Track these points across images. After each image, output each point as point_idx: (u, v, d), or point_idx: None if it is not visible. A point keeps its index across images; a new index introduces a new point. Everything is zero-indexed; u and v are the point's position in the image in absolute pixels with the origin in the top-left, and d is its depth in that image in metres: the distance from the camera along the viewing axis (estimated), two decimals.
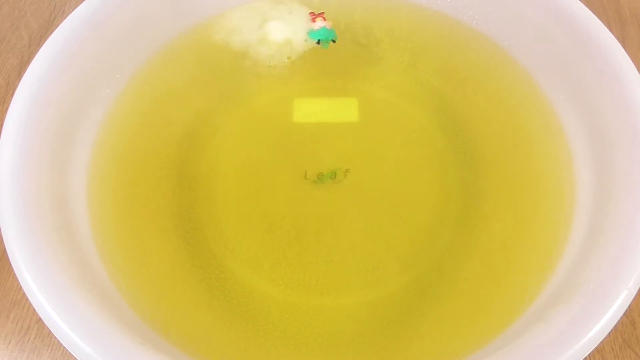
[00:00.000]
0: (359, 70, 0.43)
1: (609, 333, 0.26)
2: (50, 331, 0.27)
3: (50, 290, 0.28)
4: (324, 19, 0.38)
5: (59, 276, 0.29)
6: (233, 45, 0.43)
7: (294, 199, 0.37)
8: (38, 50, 0.35)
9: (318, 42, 0.38)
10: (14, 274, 0.28)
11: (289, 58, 0.40)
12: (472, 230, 0.36)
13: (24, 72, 0.34)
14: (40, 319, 0.29)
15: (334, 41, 0.38)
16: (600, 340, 0.26)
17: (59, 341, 0.27)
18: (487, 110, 0.41)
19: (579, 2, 0.37)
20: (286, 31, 0.41)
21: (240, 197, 0.38)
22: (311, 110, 0.41)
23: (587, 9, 0.37)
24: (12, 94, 0.34)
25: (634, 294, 0.27)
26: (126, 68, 0.41)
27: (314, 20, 0.38)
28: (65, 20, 0.37)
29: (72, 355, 0.26)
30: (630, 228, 0.29)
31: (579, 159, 0.37)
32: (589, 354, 0.26)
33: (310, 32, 0.38)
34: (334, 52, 0.44)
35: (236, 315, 0.33)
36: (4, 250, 0.30)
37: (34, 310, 0.27)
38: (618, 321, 0.27)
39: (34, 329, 0.36)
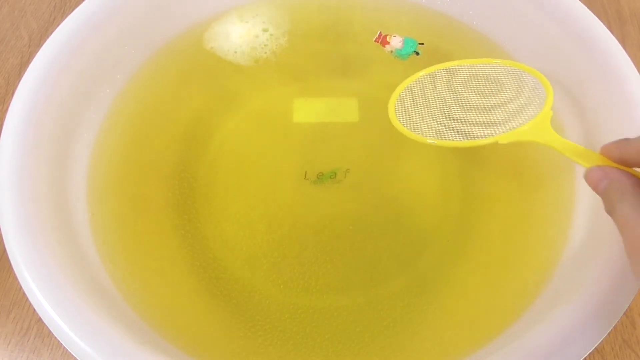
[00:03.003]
0: (359, 70, 0.43)
1: (609, 333, 0.26)
2: (50, 331, 0.27)
3: (50, 290, 0.28)
4: (391, 35, 0.37)
5: (59, 276, 0.29)
6: (222, 46, 0.44)
7: (294, 198, 0.37)
8: (38, 50, 0.35)
9: (417, 54, 0.37)
10: (14, 274, 0.28)
11: (257, 60, 0.40)
12: (471, 230, 0.36)
13: (24, 72, 0.34)
14: (40, 319, 0.29)
15: (422, 44, 0.37)
16: (600, 340, 0.26)
17: (59, 341, 0.27)
18: None
19: (579, 2, 0.37)
20: (241, 34, 0.42)
21: (240, 197, 0.38)
22: (311, 110, 0.41)
23: (588, 9, 0.37)
24: (12, 94, 0.34)
25: (634, 294, 0.27)
26: (126, 68, 0.41)
27: (387, 42, 0.37)
28: (65, 20, 0.37)
29: (72, 355, 0.26)
30: None
31: None
32: (589, 354, 0.26)
33: (397, 52, 0.37)
34: (334, 52, 0.44)
35: (236, 315, 0.33)
36: (4, 250, 0.30)
37: (34, 310, 0.27)
38: (618, 321, 0.27)
39: (34, 329, 0.36)
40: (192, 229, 0.36)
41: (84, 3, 0.38)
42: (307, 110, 0.41)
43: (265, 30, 0.44)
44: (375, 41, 0.37)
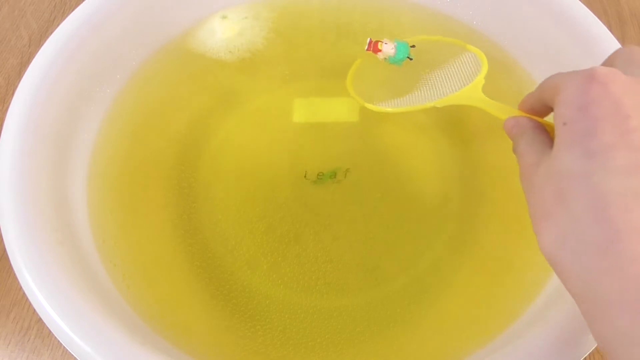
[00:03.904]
0: (358, 70, 0.43)
1: None
2: (50, 331, 0.27)
3: (50, 290, 0.28)
4: (381, 42, 0.37)
5: (59, 276, 0.29)
6: (222, 46, 0.44)
7: (294, 198, 0.37)
8: (38, 50, 0.35)
9: (410, 59, 0.38)
10: (14, 274, 0.28)
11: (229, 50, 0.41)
12: (471, 230, 0.36)
13: (24, 72, 0.34)
14: (40, 319, 0.29)
15: (413, 46, 0.38)
16: None
17: (59, 341, 0.27)
18: None
19: (579, 2, 0.37)
20: (241, 33, 0.42)
21: (240, 197, 0.38)
22: (311, 110, 0.41)
23: (587, 9, 0.37)
24: (12, 94, 0.34)
25: None
26: (126, 68, 0.41)
27: (378, 50, 0.37)
28: (65, 20, 0.37)
29: (72, 355, 0.26)
30: None
31: None
32: (589, 354, 0.26)
33: (391, 59, 0.37)
34: (334, 52, 0.44)
35: (235, 315, 0.33)
36: (4, 250, 0.30)
37: (34, 310, 0.27)
38: None
39: (34, 329, 0.36)
40: (192, 229, 0.36)
41: (84, 3, 0.38)
42: (307, 110, 0.41)
43: (266, 30, 0.44)
44: (366, 50, 0.37)
